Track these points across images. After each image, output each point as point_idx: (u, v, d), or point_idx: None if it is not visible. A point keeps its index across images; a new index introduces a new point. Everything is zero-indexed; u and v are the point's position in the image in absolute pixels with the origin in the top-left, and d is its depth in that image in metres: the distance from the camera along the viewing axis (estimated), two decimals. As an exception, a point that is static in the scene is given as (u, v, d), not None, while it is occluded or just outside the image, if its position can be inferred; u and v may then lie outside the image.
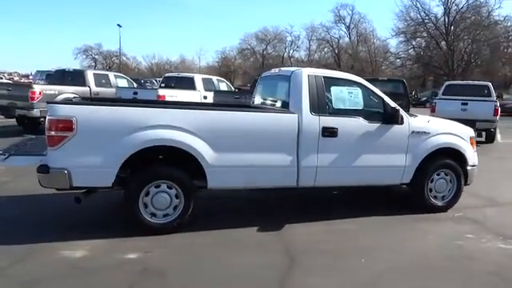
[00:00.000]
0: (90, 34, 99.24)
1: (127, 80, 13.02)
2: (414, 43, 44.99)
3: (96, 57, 66.02)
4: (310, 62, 56.41)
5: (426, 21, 40.72)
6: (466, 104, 11.61)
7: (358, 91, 4.71)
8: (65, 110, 3.70)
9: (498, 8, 41.14)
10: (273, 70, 5.32)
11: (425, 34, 43.14)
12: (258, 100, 5.54)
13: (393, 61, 48.31)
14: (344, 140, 4.46)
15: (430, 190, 4.97)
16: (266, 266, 3.36)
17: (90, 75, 11.44)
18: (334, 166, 4.46)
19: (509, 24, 42.63)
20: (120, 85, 12.07)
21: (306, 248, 3.77)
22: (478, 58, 42.70)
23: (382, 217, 4.77)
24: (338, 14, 50.12)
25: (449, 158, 4.99)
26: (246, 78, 49.66)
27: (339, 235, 4.16)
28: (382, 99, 4.74)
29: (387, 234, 4.26)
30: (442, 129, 4.99)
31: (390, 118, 4.61)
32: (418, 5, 40.26)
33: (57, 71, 13.49)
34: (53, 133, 3.68)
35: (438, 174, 4.98)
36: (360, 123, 4.54)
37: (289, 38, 57.26)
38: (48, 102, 3.76)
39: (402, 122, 4.60)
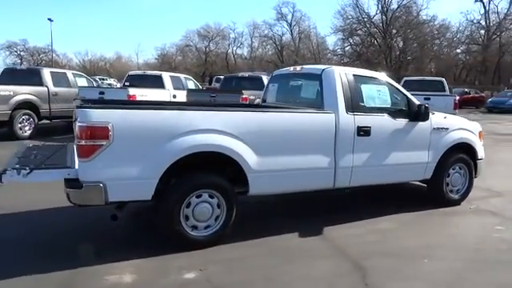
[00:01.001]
0: (12, 29, 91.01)
1: (86, 79, 12.03)
2: (351, 41, 46.97)
3: (22, 53, 61.00)
4: (252, 59, 56.81)
5: (364, 19, 42.63)
6: (429, 99, 12.23)
7: (385, 89, 4.69)
8: (99, 115, 3.23)
9: (426, 8, 44.38)
10: (291, 69, 5.12)
11: (360, 32, 45.26)
12: (271, 100, 5.32)
13: (330, 58, 50.17)
14: (376, 139, 4.41)
15: (447, 185, 5.11)
16: (337, 274, 3.20)
17: (46, 74, 10.37)
18: (367, 165, 4.40)
19: (435, 23, 46.12)
20: (80, 84, 11.11)
21: (361, 251, 3.65)
22: (410, 55, 45.74)
23: (407, 213, 4.79)
24: (280, 12, 50.89)
25: (462, 153, 5.16)
26: (191, 75, 48.67)
27: (383, 235, 4.10)
28: (406, 96, 4.77)
29: (426, 231, 4.28)
30: (457, 124, 5.14)
31: (416, 115, 4.65)
32: (357, 4, 42.03)
33: (5, 70, 12.09)
34: (84, 142, 3.19)
35: (454, 169, 5.13)
36: (389, 121, 4.53)
37: (232, 35, 57.09)
38: (78, 107, 3.26)
39: (426, 119, 4.66)
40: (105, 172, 3.25)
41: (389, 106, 4.64)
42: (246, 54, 57.81)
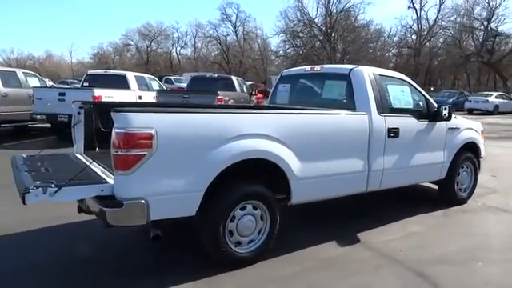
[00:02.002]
0: None
1: (38, 78, 10.84)
2: (294, 43, 47.81)
3: None
4: (196, 59, 55.76)
5: (308, 21, 43.62)
6: None
7: (407, 89, 4.62)
8: (142, 120, 2.74)
9: (363, 13, 46.55)
10: (307, 68, 4.85)
11: (302, 34, 46.27)
12: (283, 101, 5.03)
13: (274, 59, 50.87)
14: (403, 140, 4.31)
15: (457, 183, 5.18)
16: (409, 286, 3.01)
17: (-6, 73, 9.18)
18: (395, 167, 4.28)
19: (371, 27, 48.47)
20: (32, 84, 9.98)
21: (411, 258, 3.49)
22: (349, 58, 47.65)
23: (425, 215, 4.76)
24: (225, 12, 50.42)
25: (469, 152, 5.26)
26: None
27: (419, 239, 3.99)
28: (425, 96, 4.73)
29: (456, 232, 4.25)
30: (466, 124, 5.21)
31: (435, 115, 4.63)
32: (300, 6, 42.91)
33: None
34: (124, 151, 2.70)
35: (462, 167, 5.21)
36: (414, 122, 4.45)
37: (175, 35, 55.56)
38: (115, 110, 2.74)
39: (449, 119, 4.66)
40: (147, 186, 2.78)
41: (411, 107, 4.58)
42: (190, 54, 56.64)
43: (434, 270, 3.27)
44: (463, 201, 5.26)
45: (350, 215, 4.71)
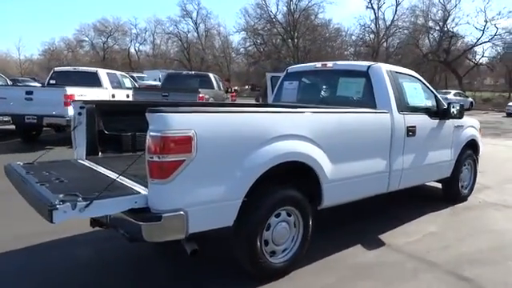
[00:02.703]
0: None
1: (-1, 76, 9.95)
2: (255, 40, 47.76)
3: None
4: (155, 56, 54.30)
5: (271, 19, 43.71)
6: None
7: (419, 86, 4.56)
8: (180, 121, 2.42)
9: (322, 12, 47.25)
10: (317, 65, 4.66)
11: (262, 32, 46.36)
12: (289, 99, 4.82)
13: (236, 57, 50.64)
14: (419, 139, 4.24)
15: (460, 181, 5.22)
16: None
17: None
18: (412, 166, 4.20)
19: (331, 26, 49.42)
20: (-8, 82, 9.12)
21: (444, 260, 3.41)
22: (310, 56, 48.32)
23: (433, 213, 4.74)
24: (185, 9, 49.42)
25: (470, 149, 5.31)
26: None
27: (442, 240, 3.92)
28: (434, 94, 4.70)
29: (474, 231, 4.22)
30: (468, 122, 5.25)
31: (445, 113, 4.60)
32: (263, 3, 42.90)
33: None
34: (161, 157, 2.37)
35: (464, 165, 5.26)
36: (427, 120, 4.40)
37: (134, 31, 53.73)
38: (151, 110, 2.40)
39: (461, 117, 4.66)
40: (186, 196, 2.47)
41: (424, 105, 4.52)
42: (149, 50, 55.04)
43: (473, 272, 3.19)
44: (465, 198, 5.31)
45: (359, 218, 4.56)
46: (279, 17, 43.49)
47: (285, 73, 5.03)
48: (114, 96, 10.06)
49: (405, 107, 4.09)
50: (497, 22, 37.25)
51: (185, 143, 2.43)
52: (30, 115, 8.34)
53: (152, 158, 2.39)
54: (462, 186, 5.28)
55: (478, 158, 5.51)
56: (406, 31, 44.18)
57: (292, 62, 41.94)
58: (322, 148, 3.19)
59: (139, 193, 2.47)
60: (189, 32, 50.91)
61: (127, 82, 11.21)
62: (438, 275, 3.15)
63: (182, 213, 2.44)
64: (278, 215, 3.02)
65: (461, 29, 62.20)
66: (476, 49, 39.83)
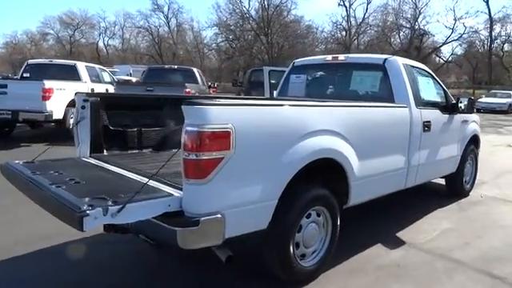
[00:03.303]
0: None
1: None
2: (229, 36, 47.31)
3: None
4: (124, 51, 52.74)
5: (243, 15, 43.36)
6: None
7: (431, 81, 4.48)
8: (218, 115, 2.18)
9: (295, 8, 47.36)
10: (328, 58, 4.48)
11: (233, 28, 45.95)
12: (297, 93, 4.62)
13: (207, 52, 49.96)
14: (433, 134, 4.15)
15: (464, 176, 5.21)
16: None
17: None
18: (427, 162, 4.11)
19: (302, 23, 49.60)
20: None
21: (470, 258, 3.33)
22: (283, 52, 48.34)
23: (441, 210, 4.69)
24: (156, 2, 48.12)
25: (472, 144, 5.31)
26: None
27: (460, 236, 3.85)
28: (443, 88, 4.65)
29: (485, 224, 4.21)
30: (471, 117, 5.24)
31: (454, 107, 4.55)
32: (237, 0, 42.47)
33: None
34: (198, 156, 2.12)
35: (467, 160, 5.25)
36: (439, 115, 4.33)
37: (102, 24, 51.89)
38: (187, 103, 2.14)
39: (471, 112, 4.62)
40: (223, 197, 2.24)
41: (436, 99, 4.45)
42: (118, 45, 53.37)
43: (503, 270, 3.12)
44: (467, 193, 5.31)
45: (367, 216, 4.40)
46: (252, 13, 43.23)
47: (291, 66, 4.83)
48: (93, 90, 9.53)
49: (420, 102, 3.99)
50: (465, 20, 38.63)
51: (223, 139, 2.19)
52: (4, 110, 7.75)
53: (188, 156, 2.14)
54: (465, 181, 5.28)
55: (478, 153, 5.54)
56: (376, 29, 44.97)
57: (266, 59, 41.90)
58: (351, 144, 3.03)
59: (172, 195, 2.21)
60: (160, 26, 49.72)
61: (106, 76, 10.67)
62: (471, 275, 3.06)
63: (219, 216, 2.21)
64: (308, 216, 2.84)
65: (431, 27, 64.21)
66: (446, 47, 41.11)
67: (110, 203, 1.96)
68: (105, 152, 3.36)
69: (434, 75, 4.59)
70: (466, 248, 3.57)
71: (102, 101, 3.36)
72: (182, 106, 2.14)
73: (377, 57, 4.14)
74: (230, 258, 2.41)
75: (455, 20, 39.05)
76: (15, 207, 3.90)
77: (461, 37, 39.28)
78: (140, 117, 3.64)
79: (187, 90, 8.80)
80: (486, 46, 41.80)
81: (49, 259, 3.09)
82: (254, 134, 2.34)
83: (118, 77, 20.47)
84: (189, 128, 2.13)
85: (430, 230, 4.03)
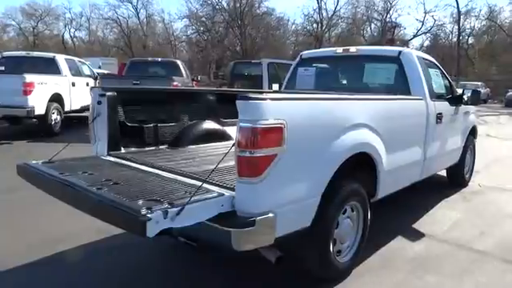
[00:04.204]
0: None
1: None
2: (202, 28, 46.59)
3: None
4: (91, 43, 50.99)
5: (214, 6, 42.73)
6: None
7: (439, 72, 4.52)
8: (274, 110, 2.08)
9: (266, 1, 47.11)
10: (338, 50, 4.41)
11: (204, 19, 45.27)
12: (305, 86, 4.55)
13: (178, 44, 49.05)
14: (444, 126, 4.20)
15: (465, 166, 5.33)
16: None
17: None
18: (438, 154, 4.17)
19: (273, 16, 49.48)
20: None
21: (490, 248, 3.39)
22: (256, 44, 48.14)
23: (447, 199, 4.80)
24: (125, -7, 46.59)
25: (471, 134, 5.43)
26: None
27: (473, 227, 3.91)
28: (449, 80, 4.71)
29: (495, 214, 4.31)
30: (470, 108, 5.34)
31: (459, 99, 4.62)
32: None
33: None
34: (252, 153, 2.02)
35: (467, 151, 5.37)
36: (448, 107, 4.37)
37: (68, 15, 49.81)
38: (241, 97, 2.02)
39: (476, 104, 4.70)
40: (275, 195, 2.15)
41: (444, 91, 4.50)
42: (85, 37, 51.47)
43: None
44: (467, 183, 5.44)
45: (376, 207, 4.49)
46: (224, 4, 42.63)
47: (298, 59, 4.75)
48: (74, 84, 9.15)
49: (433, 94, 4.03)
50: (434, 14, 39.72)
51: (277, 135, 2.10)
52: (-18, 106, 7.29)
53: (243, 153, 2.03)
54: (465, 172, 5.40)
55: (475, 143, 5.67)
56: (347, 21, 45.53)
57: (238, 51, 41.58)
58: (381, 137, 3.00)
59: (223, 194, 2.10)
60: (129, 18, 48.30)
61: (86, 69, 10.22)
62: (497, 265, 3.12)
63: (272, 215, 2.12)
64: (344, 211, 2.79)
65: (403, 20, 65.53)
66: (415, 40, 42.16)
67: (167, 205, 1.84)
68: (122, 149, 3.19)
69: (440, 67, 4.64)
70: (483, 238, 3.64)
71: (119, 95, 3.17)
72: (237, 101, 2.02)
73: (390, 49, 4.14)
74: (279, 259, 2.32)
75: (425, 13, 40.13)
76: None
77: (431, 29, 40.42)
78: (156, 112, 3.48)
79: (175, 83, 8.58)
80: (450, 39, 43.25)
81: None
82: (303, 129, 2.25)
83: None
84: (243, 124, 2.02)
85: (443, 220, 4.10)
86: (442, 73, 4.62)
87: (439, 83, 4.38)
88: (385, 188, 3.19)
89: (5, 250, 3.09)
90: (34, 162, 2.67)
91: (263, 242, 2.16)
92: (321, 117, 2.40)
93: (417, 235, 3.68)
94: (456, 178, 5.25)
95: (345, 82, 4.42)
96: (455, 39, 39.43)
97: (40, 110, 7.75)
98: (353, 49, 4.33)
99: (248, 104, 2.02)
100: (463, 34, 42.52)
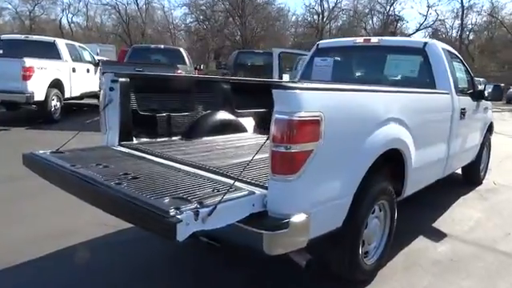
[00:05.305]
0: None
1: None
2: (201, 17, 46.00)
3: None
4: (89, 29, 50.27)
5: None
6: None
7: (462, 66, 4.33)
8: (312, 101, 1.89)
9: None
10: (358, 40, 4.22)
11: (204, 8, 44.65)
12: (321, 77, 4.35)
13: (176, 33, 48.45)
14: (467, 122, 4.03)
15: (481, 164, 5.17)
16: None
17: None
18: (460, 150, 4.01)
19: (274, 6, 48.89)
20: None
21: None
22: (257, 34, 47.65)
23: (464, 197, 4.65)
24: (122, -22, 45.82)
25: (488, 131, 5.26)
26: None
27: (496, 227, 3.79)
28: (470, 73, 4.53)
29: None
30: (488, 103, 5.17)
31: (480, 94, 4.44)
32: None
33: None
34: (286, 148, 1.84)
35: (484, 148, 5.21)
36: (470, 102, 4.20)
37: (65, 0, 49.03)
38: (277, 86, 1.83)
39: (499, 99, 4.53)
40: (310, 194, 1.98)
41: (467, 86, 4.32)
42: (82, 22, 50.69)
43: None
44: (481, 181, 5.30)
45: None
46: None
47: (315, 48, 4.53)
48: (74, 70, 8.88)
49: (457, 88, 3.85)
50: (437, 7, 39.37)
51: (315, 129, 1.91)
52: (-22, 90, 7.03)
53: (278, 147, 1.84)
54: (481, 169, 5.25)
55: (491, 140, 5.52)
56: (349, 13, 45.12)
57: (238, 41, 41.11)
58: (411, 133, 2.82)
59: (253, 192, 1.91)
60: (128, 4, 47.54)
61: (86, 55, 9.94)
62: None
63: (306, 216, 1.94)
64: (373, 211, 2.63)
65: (405, 13, 65.08)
66: (418, 34, 41.79)
67: (196, 205, 1.65)
68: (134, 140, 2.99)
69: (462, 59, 4.45)
70: (508, 239, 3.50)
71: (131, 82, 2.97)
72: (273, 90, 1.83)
73: (415, 40, 4.00)
74: (310, 263, 2.15)
75: (428, 7, 39.77)
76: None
77: (433, 24, 40.11)
78: (169, 100, 3.28)
79: (179, 71, 8.34)
80: (450, 35, 43.00)
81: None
82: (339, 122, 2.07)
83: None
84: (279, 116, 1.83)
85: (464, 219, 3.95)
86: (464, 66, 4.44)
87: (462, 77, 4.21)
88: (412, 186, 3.03)
89: (6, 245, 2.90)
90: (41, 151, 2.47)
91: (296, 246, 1.98)
92: (357, 109, 2.22)
93: (438, 235, 3.53)
94: (471, 175, 5.10)
95: (364, 73, 4.23)
96: (455, 34, 39.36)
97: (39, 96, 7.50)
98: (374, 39, 4.13)
99: (285, 94, 1.83)
100: (464, 29, 42.37)
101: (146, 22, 46.95)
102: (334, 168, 2.11)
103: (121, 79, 2.86)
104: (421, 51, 3.73)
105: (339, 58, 4.36)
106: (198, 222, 1.60)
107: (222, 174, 2.19)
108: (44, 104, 7.72)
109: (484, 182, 5.36)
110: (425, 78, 3.72)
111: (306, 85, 1.93)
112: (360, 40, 4.20)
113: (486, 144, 5.20)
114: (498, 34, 44.29)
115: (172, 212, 1.55)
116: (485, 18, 43.08)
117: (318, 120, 1.92)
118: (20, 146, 5.65)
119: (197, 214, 1.59)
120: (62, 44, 8.89)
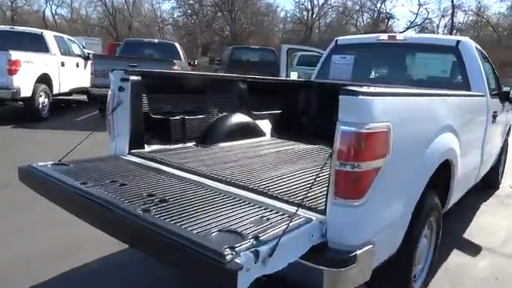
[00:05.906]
0: None
1: None
2: (189, 11, 45.26)
3: None
4: (74, 21, 49.00)
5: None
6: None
7: (489, 66, 4.07)
8: (381, 110, 1.57)
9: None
10: (382, 36, 3.89)
11: (192, 2, 43.93)
12: (341, 76, 4.03)
13: (164, 27, 47.61)
14: (496, 125, 3.78)
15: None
16: None
17: None
18: (489, 156, 3.77)
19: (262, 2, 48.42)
20: None
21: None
22: (246, 30, 47.16)
23: (484, 204, 4.43)
24: (108, -29, 44.65)
25: (506, 134, 5.04)
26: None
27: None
28: (496, 74, 4.27)
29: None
30: (508, 105, 4.94)
31: (507, 96, 4.18)
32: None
33: None
34: (352, 167, 1.51)
35: (503, 151, 4.98)
36: (499, 104, 3.94)
37: (50, -10, 47.46)
38: (345, 92, 1.49)
39: None
40: (376, 220, 1.66)
41: (495, 87, 4.06)
42: (67, 14, 49.32)
43: None
44: (498, 185, 5.08)
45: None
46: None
47: (333, 45, 4.20)
48: (63, 64, 8.38)
49: (490, 90, 3.58)
50: (428, 6, 39.46)
51: (383, 142, 1.60)
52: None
53: (343, 166, 1.52)
54: (500, 173, 5.04)
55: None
56: (339, 9, 44.96)
57: (227, 36, 40.55)
58: (459, 140, 2.53)
59: (310, 220, 1.58)
60: (115, -4, 46.38)
61: (76, 49, 9.41)
62: None
63: (371, 246, 1.63)
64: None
65: (396, 11, 65.28)
66: (409, 31, 41.86)
67: (252, 241, 1.31)
68: (145, 148, 2.63)
69: (489, 59, 4.19)
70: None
71: (143, 80, 2.60)
72: (340, 96, 1.50)
73: (445, 38, 3.67)
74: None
75: (419, 5, 39.80)
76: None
77: (424, 22, 40.19)
78: (182, 102, 2.92)
79: (175, 67, 7.94)
80: (436, 33, 43.22)
81: None
82: (404, 133, 1.75)
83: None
84: (345, 128, 1.50)
85: (494, 229, 3.73)
86: (491, 65, 4.18)
87: (492, 78, 3.95)
88: (454, 197, 2.76)
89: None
90: (40, 163, 2.09)
91: (360, 280, 1.66)
92: (420, 117, 1.92)
93: (473, 248, 3.28)
94: (491, 179, 4.85)
95: (389, 73, 3.93)
96: (441, 33, 39.47)
97: (26, 92, 7.00)
98: (400, 36, 3.83)
99: (356, 101, 1.49)
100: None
101: (132, 15, 45.96)
102: (398, 186, 1.80)
103: (132, 77, 2.49)
104: (453, 49, 3.44)
105: (360, 56, 4.04)
106: (258, 265, 1.26)
107: (263, 194, 1.86)
108: (31, 100, 7.22)
109: (500, 186, 5.15)
110: (458, 79, 3.44)
111: (372, 89, 1.59)
112: (384, 37, 3.88)
113: (504, 147, 4.99)
114: (483, 34, 44.77)
115: (228, 255, 1.21)
116: (471, 18, 43.39)
117: (387, 132, 1.60)
118: (7, 145, 5.22)
119: (257, 254, 1.25)
120: (50, 36, 8.36)
